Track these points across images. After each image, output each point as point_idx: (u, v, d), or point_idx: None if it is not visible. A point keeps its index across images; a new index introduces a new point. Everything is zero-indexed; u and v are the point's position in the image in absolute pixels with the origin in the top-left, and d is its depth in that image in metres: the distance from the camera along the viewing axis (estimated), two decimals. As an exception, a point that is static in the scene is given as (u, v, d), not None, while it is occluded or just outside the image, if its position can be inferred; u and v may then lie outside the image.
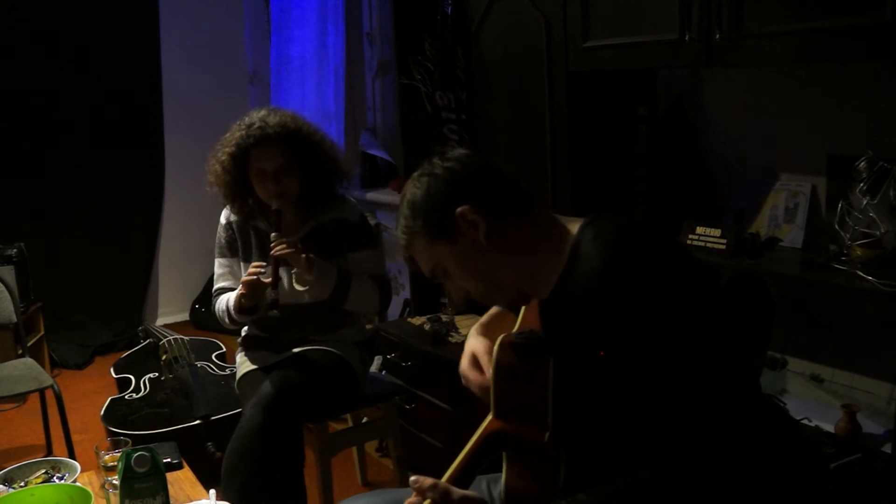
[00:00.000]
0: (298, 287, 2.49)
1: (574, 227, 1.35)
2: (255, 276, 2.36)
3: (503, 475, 1.46)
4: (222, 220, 2.63)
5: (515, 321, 1.60)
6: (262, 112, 2.50)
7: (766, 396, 1.35)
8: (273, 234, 2.40)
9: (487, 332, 1.62)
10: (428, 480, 1.26)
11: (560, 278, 1.32)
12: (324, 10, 4.43)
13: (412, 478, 1.27)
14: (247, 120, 2.48)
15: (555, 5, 2.50)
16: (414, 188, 1.39)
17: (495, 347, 1.43)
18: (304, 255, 2.38)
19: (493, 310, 1.70)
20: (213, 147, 2.55)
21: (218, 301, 2.57)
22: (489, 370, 1.47)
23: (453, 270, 1.37)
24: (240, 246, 2.60)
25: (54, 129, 4.77)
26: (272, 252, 2.37)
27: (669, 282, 1.20)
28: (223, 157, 2.49)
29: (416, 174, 1.41)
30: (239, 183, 2.50)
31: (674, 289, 1.19)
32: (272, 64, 4.89)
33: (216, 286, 2.63)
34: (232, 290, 2.55)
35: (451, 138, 3.09)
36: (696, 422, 1.14)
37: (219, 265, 2.64)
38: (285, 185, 2.44)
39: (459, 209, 1.33)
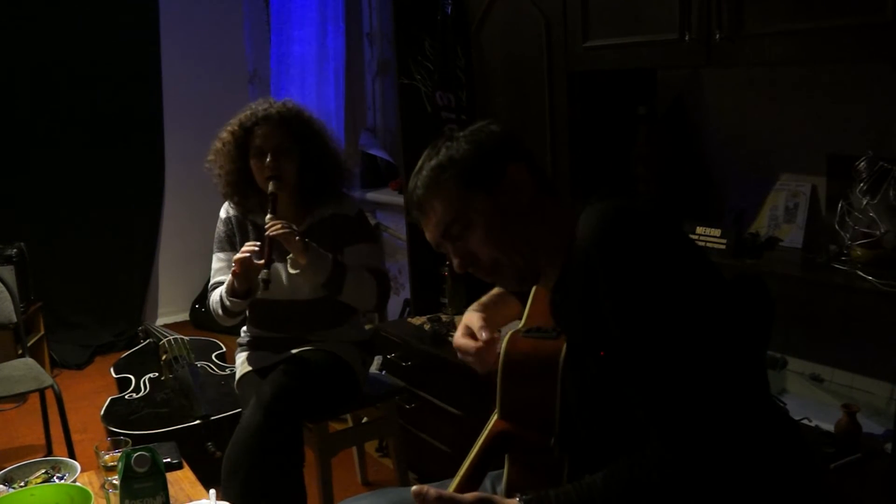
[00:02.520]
0: (292, 270, 2.47)
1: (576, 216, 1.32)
2: (248, 254, 2.33)
3: (505, 473, 1.46)
4: (222, 214, 2.64)
5: (517, 307, 1.59)
6: (269, 100, 2.58)
7: (770, 396, 1.35)
8: (268, 217, 2.40)
9: (486, 310, 1.59)
10: (432, 492, 1.19)
11: (564, 271, 1.30)
12: (324, 10, 4.43)
13: (414, 489, 1.20)
14: (253, 105, 2.56)
15: (555, 5, 2.50)
16: (446, 147, 1.33)
17: (504, 342, 1.41)
18: (297, 238, 2.36)
19: (495, 290, 1.68)
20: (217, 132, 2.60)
21: (213, 294, 2.55)
22: (484, 338, 1.47)
23: (477, 227, 1.30)
24: (238, 240, 2.59)
25: (54, 129, 4.78)
26: (266, 232, 2.36)
27: (666, 251, 1.18)
28: (224, 135, 2.53)
29: (441, 140, 1.35)
30: (239, 172, 2.51)
31: (672, 258, 1.18)
32: (272, 64, 4.90)
33: (213, 280, 2.61)
34: None
35: (452, 138, 3.09)
36: (695, 410, 1.14)
37: (217, 259, 2.63)
38: (282, 167, 2.46)
39: (513, 165, 1.30)
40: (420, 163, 1.36)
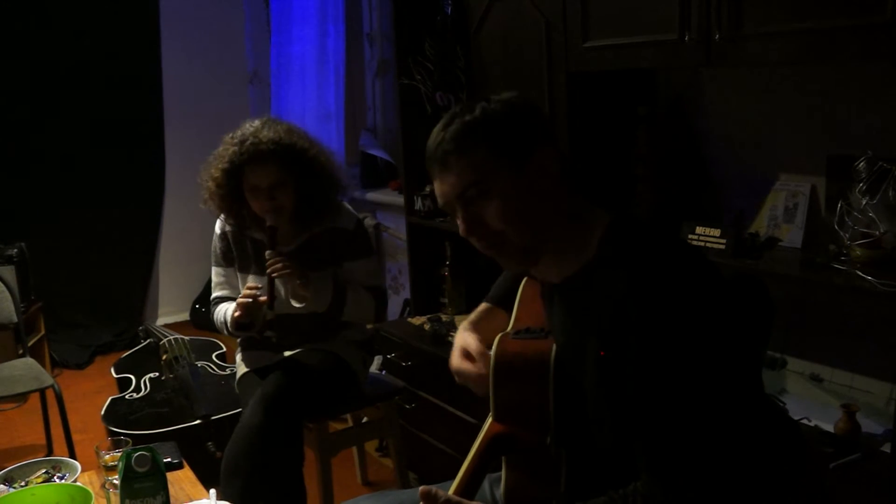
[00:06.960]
0: (296, 304, 2.49)
1: (596, 219, 1.31)
2: (250, 298, 2.37)
3: (503, 476, 1.46)
4: (217, 229, 2.60)
5: (505, 318, 1.59)
6: (256, 124, 2.43)
7: (767, 397, 1.35)
8: (268, 252, 2.38)
9: (477, 328, 1.59)
10: (441, 493, 1.21)
11: (581, 273, 1.28)
12: (324, 10, 4.43)
13: (422, 489, 1.22)
14: (239, 134, 2.42)
15: (555, 5, 2.50)
16: (482, 108, 1.28)
17: (494, 344, 1.41)
18: (298, 279, 2.38)
19: (482, 307, 1.68)
20: (206, 161, 2.50)
21: (216, 310, 2.58)
22: (483, 361, 1.45)
23: (493, 198, 1.26)
24: (235, 256, 2.58)
25: (55, 129, 4.78)
26: (268, 272, 2.36)
27: (700, 309, 1.18)
28: (216, 174, 2.44)
29: (476, 101, 1.31)
30: (233, 196, 2.46)
31: (703, 315, 1.18)
32: (272, 64, 4.90)
33: (214, 295, 2.63)
34: (230, 298, 2.55)
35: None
36: (698, 432, 1.15)
37: (216, 273, 2.64)
38: (280, 201, 2.41)
39: (543, 149, 1.27)
40: (447, 117, 1.31)
